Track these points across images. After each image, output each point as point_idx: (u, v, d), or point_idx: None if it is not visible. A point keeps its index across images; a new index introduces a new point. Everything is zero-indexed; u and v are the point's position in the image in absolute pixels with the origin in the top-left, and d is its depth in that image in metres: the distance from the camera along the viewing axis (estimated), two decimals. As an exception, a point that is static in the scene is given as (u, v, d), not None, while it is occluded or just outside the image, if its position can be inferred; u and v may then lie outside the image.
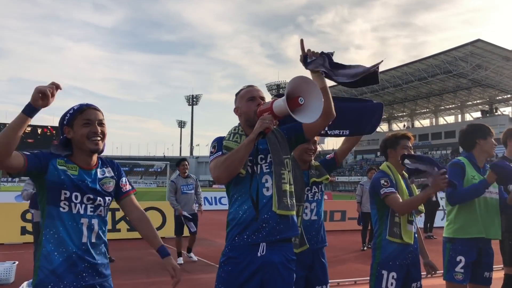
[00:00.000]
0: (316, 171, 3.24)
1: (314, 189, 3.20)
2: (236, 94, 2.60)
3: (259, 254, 2.27)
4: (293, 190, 2.43)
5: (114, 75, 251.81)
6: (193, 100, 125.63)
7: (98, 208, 2.27)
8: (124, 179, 2.45)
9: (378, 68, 2.53)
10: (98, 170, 2.33)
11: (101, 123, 2.30)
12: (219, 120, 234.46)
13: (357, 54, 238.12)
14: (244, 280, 2.25)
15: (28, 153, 2.13)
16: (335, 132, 3.21)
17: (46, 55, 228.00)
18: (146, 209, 10.64)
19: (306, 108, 2.21)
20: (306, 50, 2.38)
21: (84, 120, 2.25)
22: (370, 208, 3.38)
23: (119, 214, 10.71)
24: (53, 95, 1.97)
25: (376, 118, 3.30)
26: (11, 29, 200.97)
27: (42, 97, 1.93)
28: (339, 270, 7.25)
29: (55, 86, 1.97)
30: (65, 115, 2.30)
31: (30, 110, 1.95)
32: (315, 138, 3.21)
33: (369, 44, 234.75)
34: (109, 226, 10.67)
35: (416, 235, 3.23)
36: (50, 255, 2.14)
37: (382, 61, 2.58)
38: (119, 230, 10.84)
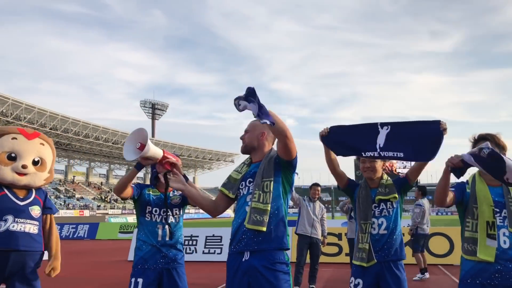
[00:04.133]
0: (386, 189, 3.36)
1: (382, 205, 3.34)
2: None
3: (243, 259, 2.62)
4: (268, 208, 2.63)
5: (460, 99, 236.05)
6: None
7: (169, 218, 3.52)
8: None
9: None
10: (171, 193, 3.62)
11: (178, 166, 3.38)
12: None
13: None
14: (237, 283, 2.62)
15: (133, 185, 3.50)
16: (389, 154, 3.11)
17: (391, 92, 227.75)
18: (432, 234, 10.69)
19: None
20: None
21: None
22: None
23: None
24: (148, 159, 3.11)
25: (435, 141, 2.96)
26: (360, 74, 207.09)
27: (145, 160, 3.08)
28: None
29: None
30: None
31: (138, 166, 3.25)
32: (369, 161, 3.37)
33: None
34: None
35: None
36: (140, 247, 3.47)
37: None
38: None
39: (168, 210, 3.54)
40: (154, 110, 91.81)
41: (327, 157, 3.39)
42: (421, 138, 3.00)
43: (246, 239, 2.63)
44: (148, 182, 3.83)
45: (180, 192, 3.59)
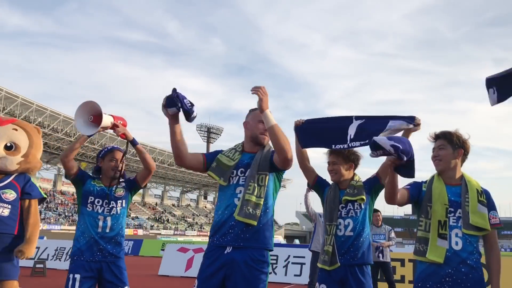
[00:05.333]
0: (354, 190, 3.24)
1: (349, 206, 3.22)
2: (251, 110, 2.91)
3: (225, 252, 2.56)
4: (261, 202, 2.58)
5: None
6: None
7: (112, 210, 3.44)
8: (133, 177, 3.65)
9: None
10: (115, 186, 3.51)
11: (121, 161, 3.54)
12: None
13: None
14: (212, 272, 2.55)
15: (80, 167, 3.49)
16: (356, 144, 3.10)
17: (451, 120, 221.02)
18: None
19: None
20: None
21: (111, 157, 3.51)
22: None
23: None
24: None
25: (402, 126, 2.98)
26: (418, 102, 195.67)
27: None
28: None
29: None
30: (101, 151, 3.59)
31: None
32: (334, 158, 3.27)
33: None
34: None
35: (473, 258, 2.57)
36: (78, 238, 3.37)
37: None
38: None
39: (112, 202, 3.45)
40: (209, 134, 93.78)
41: (297, 150, 3.33)
42: (392, 128, 2.97)
43: (233, 234, 2.56)
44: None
45: (124, 184, 3.58)
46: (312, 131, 3.24)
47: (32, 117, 49.13)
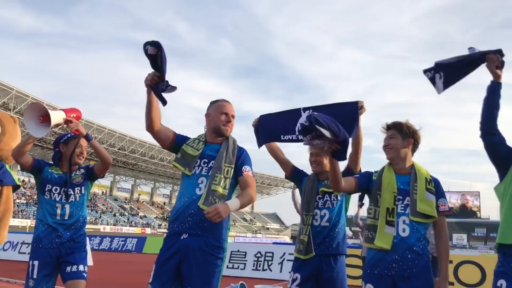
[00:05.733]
0: None
1: (326, 197, 3.29)
2: (212, 102, 2.94)
3: (182, 238, 2.63)
4: (226, 194, 2.67)
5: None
6: None
7: (70, 197, 3.41)
8: (91, 165, 3.62)
9: None
10: (74, 172, 3.48)
11: (86, 148, 3.53)
12: None
13: None
14: (168, 257, 2.63)
15: (35, 158, 3.45)
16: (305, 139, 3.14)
17: (461, 123, 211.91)
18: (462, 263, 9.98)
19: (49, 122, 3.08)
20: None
21: (75, 143, 3.45)
22: None
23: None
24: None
25: (352, 119, 3.02)
26: (428, 104, 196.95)
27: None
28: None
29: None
30: (63, 136, 3.51)
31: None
32: (316, 150, 3.32)
33: None
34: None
35: (420, 245, 2.63)
36: (37, 226, 3.38)
37: None
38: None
39: (70, 189, 3.42)
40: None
41: (268, 147, 3.44)
42: (339, 118, 2.96)
43: (191, 222, 2.63)
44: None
45: (83, 171, 3.57)
46: (266, 127, 3.32)
47: (42, 116, 49.65)
